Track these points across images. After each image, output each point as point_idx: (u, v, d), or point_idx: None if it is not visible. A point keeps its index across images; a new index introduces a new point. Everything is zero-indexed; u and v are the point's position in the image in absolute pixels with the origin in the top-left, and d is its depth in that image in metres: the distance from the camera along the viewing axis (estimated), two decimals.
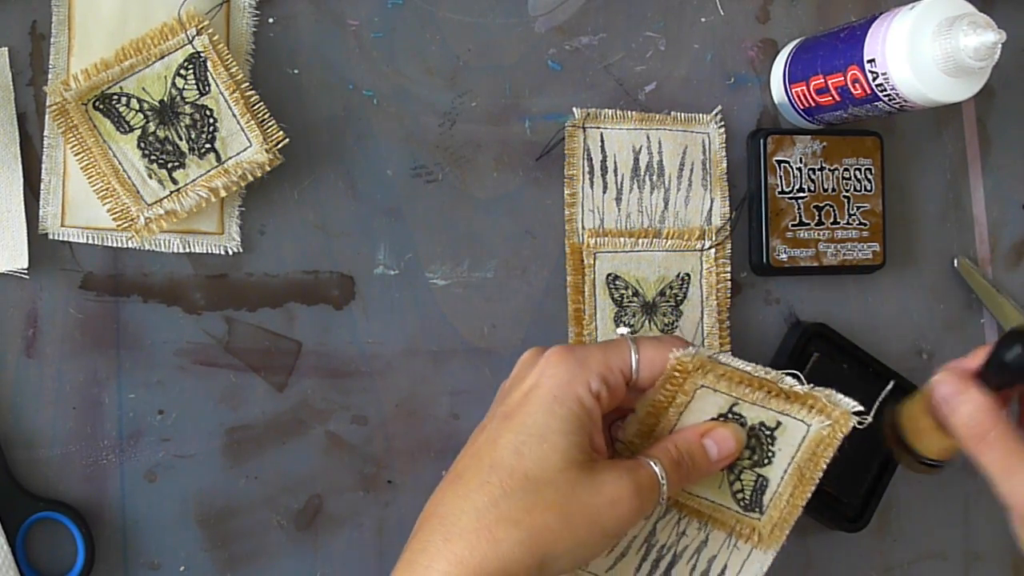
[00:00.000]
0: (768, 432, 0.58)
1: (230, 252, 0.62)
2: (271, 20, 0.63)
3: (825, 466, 0.58)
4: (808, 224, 0.69)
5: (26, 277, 0.59)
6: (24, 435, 0.59)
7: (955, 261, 0.74)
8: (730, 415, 0.58)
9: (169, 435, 0.61)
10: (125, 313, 0.61)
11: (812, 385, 0.57)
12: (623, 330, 0.65)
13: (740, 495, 0.59)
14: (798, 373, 0.58)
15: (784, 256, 0.69)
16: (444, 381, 0.65)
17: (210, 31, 0.59)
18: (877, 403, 0.57)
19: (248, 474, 0.62)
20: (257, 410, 0.63)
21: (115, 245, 0.60)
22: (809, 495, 0.58)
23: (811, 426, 0.57)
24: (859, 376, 0.70)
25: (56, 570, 0.59)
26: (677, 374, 0.57)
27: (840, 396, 0.57)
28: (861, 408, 0.57)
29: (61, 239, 0.60)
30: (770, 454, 0.58)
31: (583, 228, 0.67)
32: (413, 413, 0.65)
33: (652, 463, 0.54)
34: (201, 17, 0.59)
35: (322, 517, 0.63)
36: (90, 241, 0.60)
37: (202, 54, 0.59)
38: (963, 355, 0.74)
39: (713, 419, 0.58)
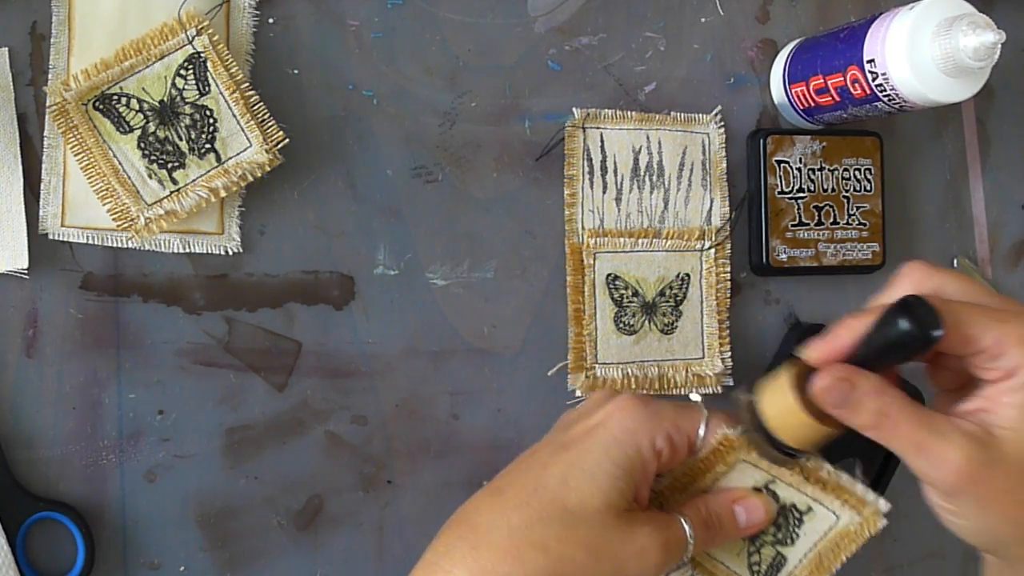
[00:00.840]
0: (798, 515, 0.58)
1: (230, 252, 0.62)
2: (271, 20, 0.63)
3: (846, 559, 0.57)
4: (808, 224, 0.69)
5: (26, 277, 0.59)
6: (24, 435, 0.59)
7: (955, 261, 0.74)
8: (764, 491, 0.58)
9: (169, 435, 0.61)
10: (125, 313, 0.61)
11: (849, 477, 0.57)
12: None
13: (756, 567, 0.59)
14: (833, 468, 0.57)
15: (784, 256, 0.69)
16: (444, 381, 0.65)
17: (210, 31, 0.59)
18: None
19: (248, 474, 0.62)
20: (257, 410, 0.63)
21: (115, 245, 0.60)
22: None
23: (840, 518, 0.57)
24: None
25: (56, 570, 0.59)
26: (723, 448, 0.57)
27: (873, 494, 0.57)
28: (889, 508, 0.57)
29: (61, 239, 0.60)
30: (795, 535, 0.58)
31: (583, 228, 0.67)
32: (413, 413, 0.65)
33: (684, 521, 0.55)
34: (201, 17, 0.59)
35: (322, 517, 0.63)
36: (90, 241, 0.60)
37: (202, 54, 0.59)
38: None
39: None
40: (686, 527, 0.54)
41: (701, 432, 0.56)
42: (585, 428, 0.55)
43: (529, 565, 0.50)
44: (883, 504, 0.57)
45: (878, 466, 0.69)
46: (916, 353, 0.50)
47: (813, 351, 0.53)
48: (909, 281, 0.52)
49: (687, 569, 0.59)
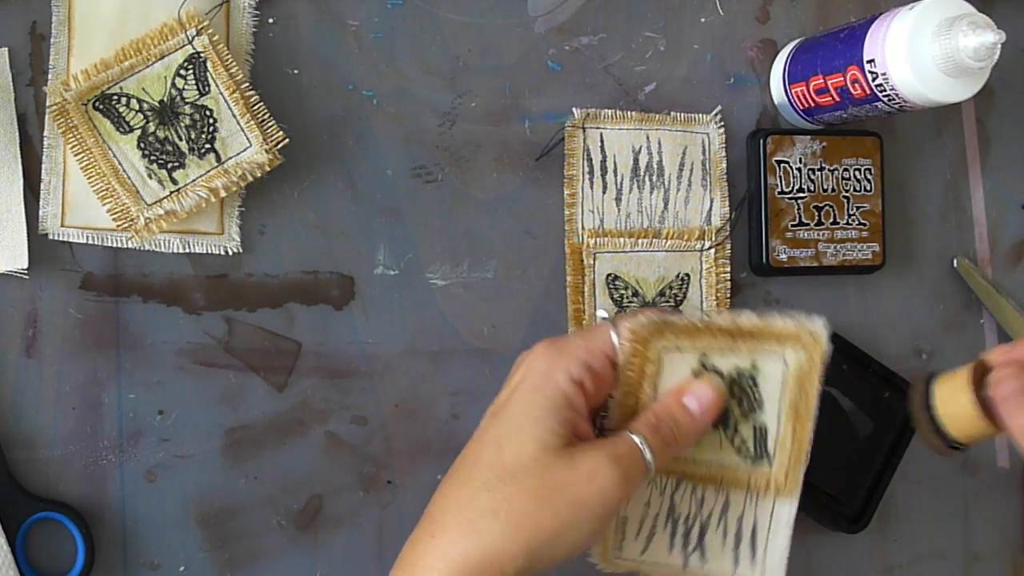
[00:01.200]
0: (748, 377, 0.57)
1: (230, 252, 0.62)
2: (271, 20, 0.63)
3: (817, 397, 0.57)
4: (808, 224, 0.69)
5: (26, 277, 0.59)
6: (24, 435, 0.59)
7: (955, 261, 0.74)
8: (703, 370, 0.57)
9: (169, 435, 0.61)
10: (125, 313, 0.61)
11: (773, 315, 0.56)
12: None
13: (743, 449, 0.58)
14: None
15: (784, 256, 0.69)
16: (444, 381, 0.65)
17: (210, 31, 0.59)
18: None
19: (248, 474, 0.62)
20: (257, 410, 0.63)
21: (115, 245, 0.60)
22: (811, 431, 0.57)
23: (787, 359, 0.56)
24: (859, 376, 0.70)
25: (56, 570, 0.59)
26: (636, 344, 0.56)
27: (801, 317, 0.56)
28: (824, 323, 0.56)
29: (61, 239, 0.60)
30: (758, 399, 0.58)
31: (583, 228, 0.67)
32: (413, 413, 0.65)
33: (630, 434, 0.55)
34: (201, 17, 0.59)
35: (322, 517, 0.63)
36: (90, 241, 0.60)
37: (202, 54, 0.59)
38: (962, 355, 0.74)
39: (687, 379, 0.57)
40: (633, 437, 0.54)
41: (616, 342, 0.56)
42: (508, 390, 0.56)
43: (485, 533, 0.51)
44: (817, 323, 0.56)
45: (871, 479, 0.69)
46: None
47: (996, 352, 0.55)
48: None
49: (687, 484, 0.59)
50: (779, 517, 0.59)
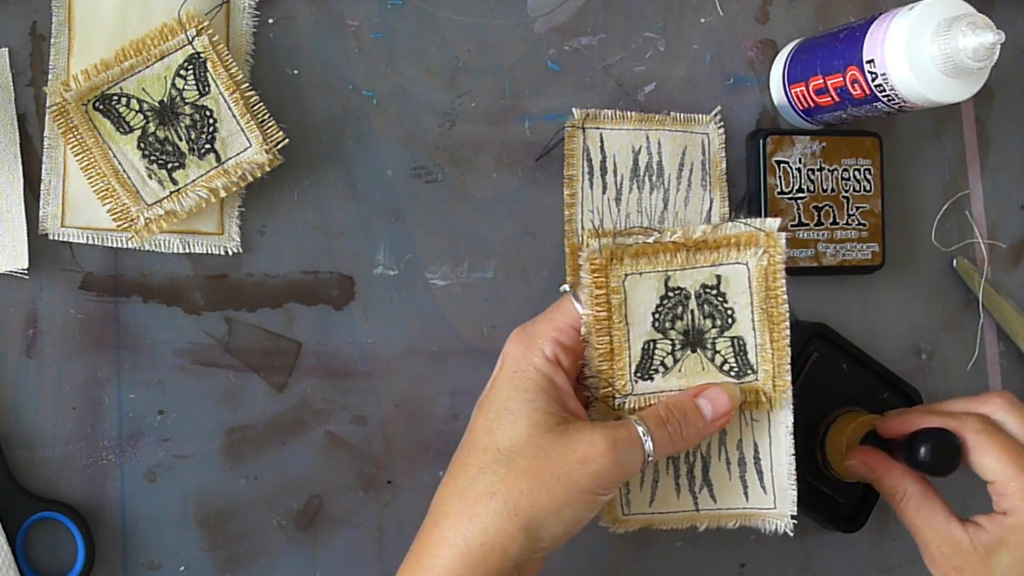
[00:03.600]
0: (714, 291, 0.57)
1: (230, 252, 0.62)
2: (271, 20, 0.63)
3: (785, 296, 0.57)
4: (807, 224, 0.69)
5: (26, 277, 0.59)
6: (24, 435, 0.59)
7: (954, 261, 0.74)
8: (669, 294, 0.57)
9: (169, 435, 0.61)
10: (125, 313, 0.61)
11: (715, 224, 0.57)
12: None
13: (726, 366, 0.58)
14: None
15: None
16: (444, 381, 0.65)
17: (210, 32, 0.59)
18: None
19: (248, 474, 0.62)
20: (257, 410, 0.63)
21: (115, 245, 0.60)
22: (788, 331, 0.58)
23: (748, 264, 0.57)
24: (858, 376, 0.70)
25: (56, 570, 0.60)
26: (596, 274, 0.56)
27: (755, 220, 0.57)
28: (779, 220, 0.57)
29: (61, 239, 0.60)
30: (729, 312, 0.58)
31: (583, 228, 0.67)
32: (413, 413, 0.65)
33: (634, 421, 0.55)
34: (201, 18, 0.59)
35: (322, 517, 0.63)
36: (90, 241, 0.60)
37: (202, 55, 0.59)
38: (962, 355, 0.74)
39: (656, 305, 0.58)
40: (636, 425, 0.55)
41: (579, 309, 0.57)
42: (491, 380, 0.57)
43: (484, 516, 0.52)
44: (770, 222, 0.57)
45: (865, 485, 0.70)
46: (936, 474, 0.61)
47: (885, 426, 0.65)
48: (987, 407, 0.62)
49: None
50: (777, 430, 0.59)
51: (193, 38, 0.59)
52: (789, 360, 0.58)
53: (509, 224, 0.66)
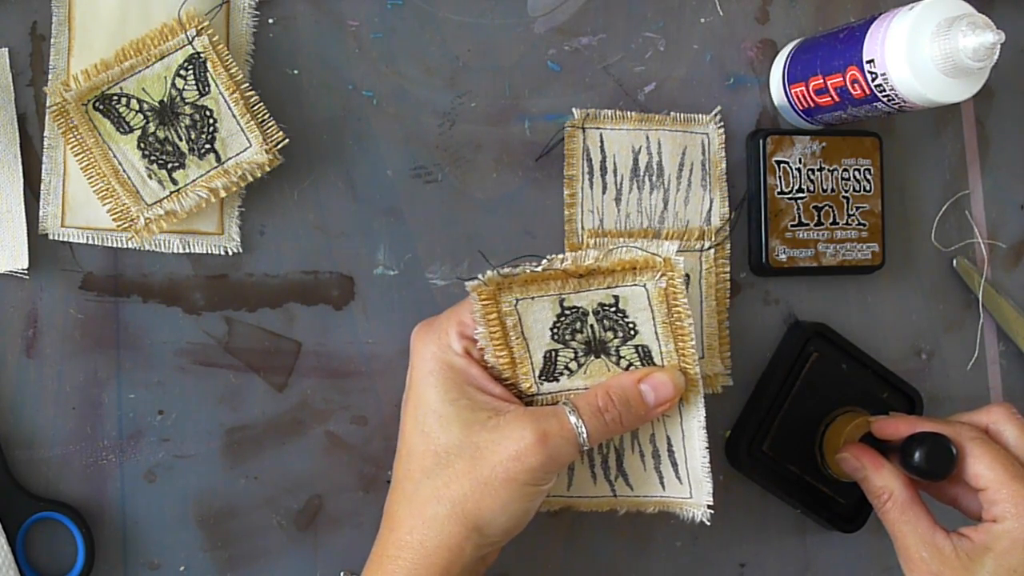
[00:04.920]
0: (612, 308, 0.57)
1: (230, 252, 0.62)
2: (271, 20, 0.63)
3: (689, 312, 0.57)
4: (807, 224, 0.69)
5: (26, 277, 0.59)
6: (24, 435, 0.59)
7: (954, 261, 0.74)
8: (566, 311, 0.57)
9: (169, 435, 0.61)
10: (125, 313, 0.61)
11: (609, 250, 0.56)
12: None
13: (632, 368, 0.59)
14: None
15: (783, 256, 0.69)
16: None
17: (210, 32, 0.59)
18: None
19: (248, 474, 0.62)
20: (257, 410, 0.63)
21: (115, 245, 0.60)
22: (694, 341, 0.58)
23: (647, 287, 0.56)
24: (858, 376, 0.70)
25: (56, 570, 0.60)
26: (486, 303, 0.56)
27: (650, 244, 0.56)
28: (675, 247, 0.56)
29: (61, 239, 0.60)
30: (630, 325, 0.58)
31: (583, 228, 0.67)
32: None
33: (567, 411, 0.55)
34: (201, 18, 0.59)
35: (322, 517, 0.63)
36: (90, 241, 0.60)
37: (202, 55, 0.59)
38: (962, 355, 0.74)
39: (553, 323, 0.58)
40: (569, 415, 0.55)
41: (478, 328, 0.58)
42: (407, 381, 0.58)
43: (433, 521, 0.54)
44: (667, 245, 0.56)
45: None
46: (930, 478, 0.61)
47: (879, 425, 0.65)
48: (987, 417, 0.62)
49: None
50: (690, 424, 0.59)
51: (193, 38, 0.59)
52: (697, 361, 0.58)
53: (509, 224, 0.66)
